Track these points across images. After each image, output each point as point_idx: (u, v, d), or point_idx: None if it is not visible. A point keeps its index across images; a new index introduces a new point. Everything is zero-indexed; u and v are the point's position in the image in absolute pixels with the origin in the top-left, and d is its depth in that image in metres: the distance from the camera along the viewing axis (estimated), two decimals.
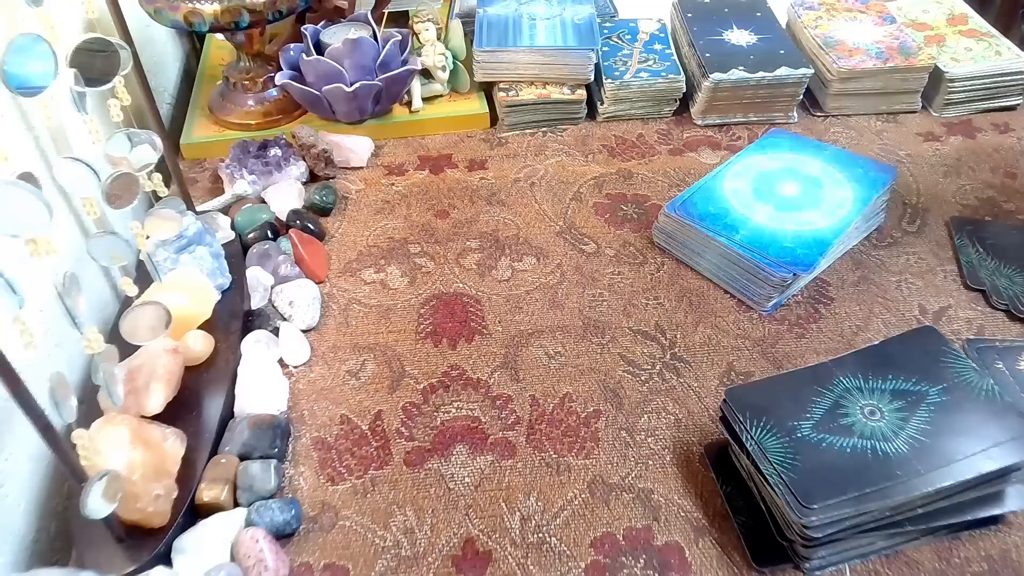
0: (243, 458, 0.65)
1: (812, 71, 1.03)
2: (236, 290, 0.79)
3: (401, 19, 1.15)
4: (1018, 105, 1.08)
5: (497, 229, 0.90)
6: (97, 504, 0.52)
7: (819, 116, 1.08)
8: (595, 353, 0.76)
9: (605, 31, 1.14)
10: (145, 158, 0.68)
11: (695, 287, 0.83)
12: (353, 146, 0.99)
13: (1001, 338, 0.76)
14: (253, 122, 1.02)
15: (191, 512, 0.61)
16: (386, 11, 1.11)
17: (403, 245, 0.88)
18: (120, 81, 0.65)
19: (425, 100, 1.06)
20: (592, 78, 1.04)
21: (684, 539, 0.61)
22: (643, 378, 0.73)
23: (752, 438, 0.59)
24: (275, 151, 0.94)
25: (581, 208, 0.93)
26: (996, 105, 1.07)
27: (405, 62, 1.01)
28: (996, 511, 0.59)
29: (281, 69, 1.00)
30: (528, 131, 1.05)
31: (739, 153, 0.92)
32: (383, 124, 1.04)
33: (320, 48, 0.98)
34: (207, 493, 0.61)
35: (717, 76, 1.01)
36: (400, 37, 1.01)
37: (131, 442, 0.59)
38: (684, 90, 1.05)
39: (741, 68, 1.02)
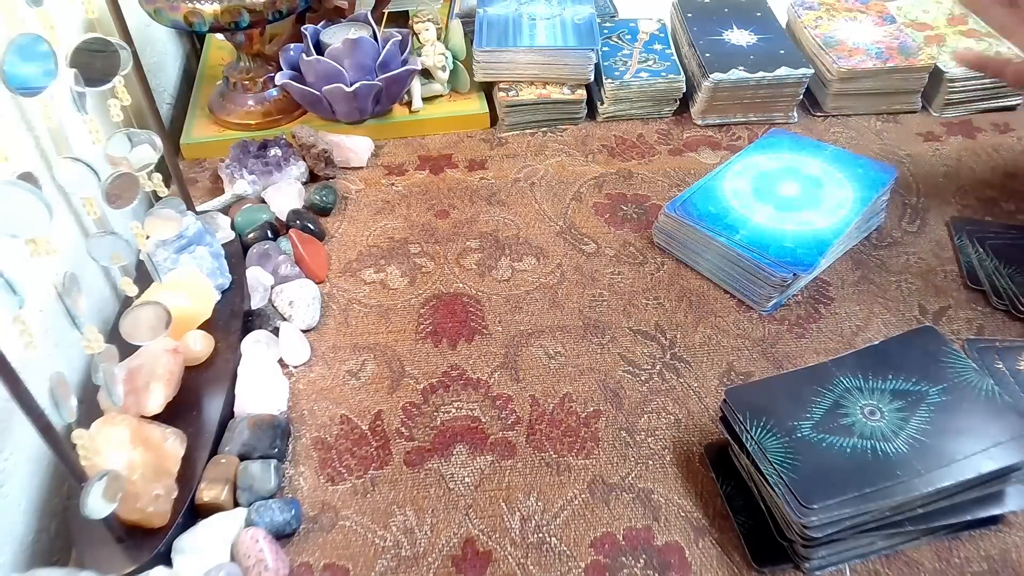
0: (243, 458, 0.65)
1: (812, 71, 1.03)
2: (236, 290, 0.79)
3: (401, 19, 1.15)
4: (1018, 105, 1.08)
5: (497, 229, 0.90)
6: (97, 504, 0.52)
7: (819, 116, 1.08)
8: (595, 353, 0.76)
9: (605, 31, 1.14)
10: (145, 158, 0.68)
11: (695, 287, 0.83)
12: (353, 146, 0.99)
13: (1001, 338, 0.76)
14: (253, 122, 1.02)
15: (191, 512, 0.61)
16: (386, 11, 1.11)
17: (403, 245, 0.88)
18: (120, 81, 0.65)
19: (425, 100, 1.06)
20: (592, 78, 1.04)
21: (684, 539, 0.61)
22: (643, 378, 0.73)
23: (752, 438, 0.59)
24: (275, 151, 0.94)
25: (581, 208, 0.93)
26: (996, 105, 1.07)
27: (405, 62, 1.01)
28: (996, 511, 0.59)
29: (281, 69, 1.00)
30: (528, 131, 1.05)
31: (739, 153, 0.92)
32: (383, 124, 1.04)
33: (320, 48, 0.98)
34: (207, 493, 0.61)
35: (717, 76, 1.01)
36: (400, 37, 1.01)
37: (131, 442, 0.59)
38: (684, 90, 1.05)
39: (741, 68, 1.02)
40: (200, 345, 0.72)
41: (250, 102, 1.03)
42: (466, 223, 0.91)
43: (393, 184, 0.97)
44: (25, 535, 0.61)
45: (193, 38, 1.23)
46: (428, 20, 1.10)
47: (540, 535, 0.62)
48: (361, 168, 0.99)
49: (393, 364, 0.75)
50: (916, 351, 0.65)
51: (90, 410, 0.65)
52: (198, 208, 0.88)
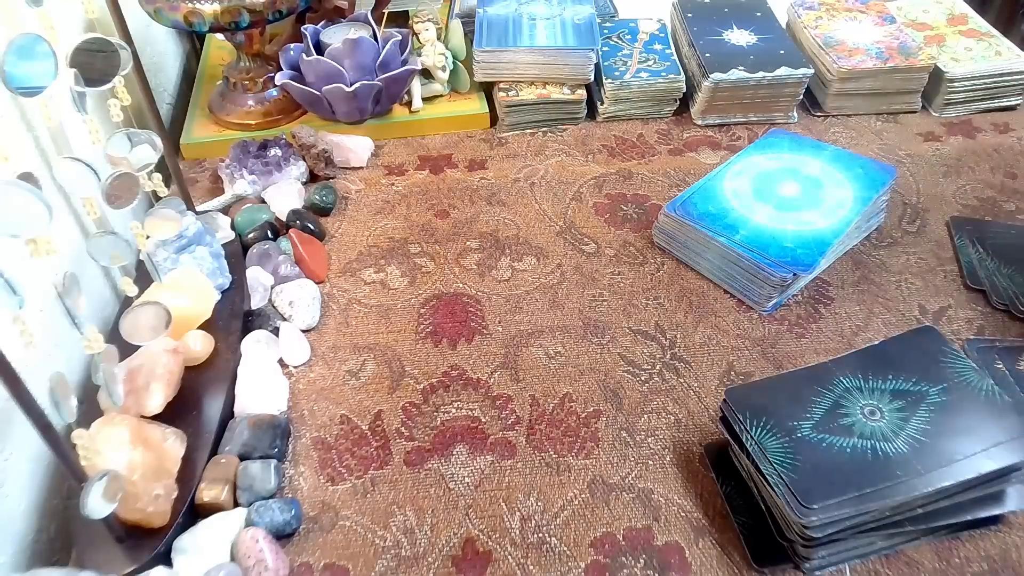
0: (243, 458, 0.65)
1: (812, 71, 1.03)
2: (236, 290, 0.79)
3: (401, 19, 1.15)
4: (1018, 105, 1.08)
5: (497, 229, 0.90)
6: (97, 504, 0.52)
7: (819, 116, 1.08)
8: (595, 353, 0.76)
9: (605, 31, 1.14)
10: (145, 158, 0.68)
11: (695, 287, 0.83)
12: (353, 146, 0.99)
13: (1001, 338, 0.76)
14: (253, 122, 1.02)
15: (191, 512, 0.61)
16: (386, 11, 1.11)
17: (403, 245, 0.88)
18: (120, 81, 0.65)
19: (425, 100, 1.06)
20: (592, 78, 1.04)
21: (684, 539, 0.61)
22: (643, 378, 0.73)
23: (752, 438, 0.59)
24: (275, 151, 0.94)
25: (581, 208, 0.93)
26: (996, 105, 1.07)
27: (405, 62, 1.01)
28: (996, 511, 0.59)
29: (281, 69, 1.00)
30: (528, 131, 1.05)
31: (739, 153, 0.92)
32: (383, 124, 1.04)
33: (320, 48, 0.98)
34: (207, 493, 0.61)
35: (717, 76, 1.01)
36: (400, 37, 1.01)
37: (131, 442, 0.59)
38: (684, 90, 1.05)
39: (741, 68, 1.02)
40: (200, 345, 0.72)
41: (250, 102, 1.03)
42: (466, 223, 0.91)
43: (393, 184, 0.97)
44: (25, 535, 0.61)
45: (193, 38, 1.23)
46: (428, 20, 1.10)
47: (540, 535, 0.62)
48: (361, 168, 0.99)
49: (393, 364, 0.75)
50: (916, 351, 0.65)
51: (90, 410, 0.65)
52: (198, 208, 0.88)
